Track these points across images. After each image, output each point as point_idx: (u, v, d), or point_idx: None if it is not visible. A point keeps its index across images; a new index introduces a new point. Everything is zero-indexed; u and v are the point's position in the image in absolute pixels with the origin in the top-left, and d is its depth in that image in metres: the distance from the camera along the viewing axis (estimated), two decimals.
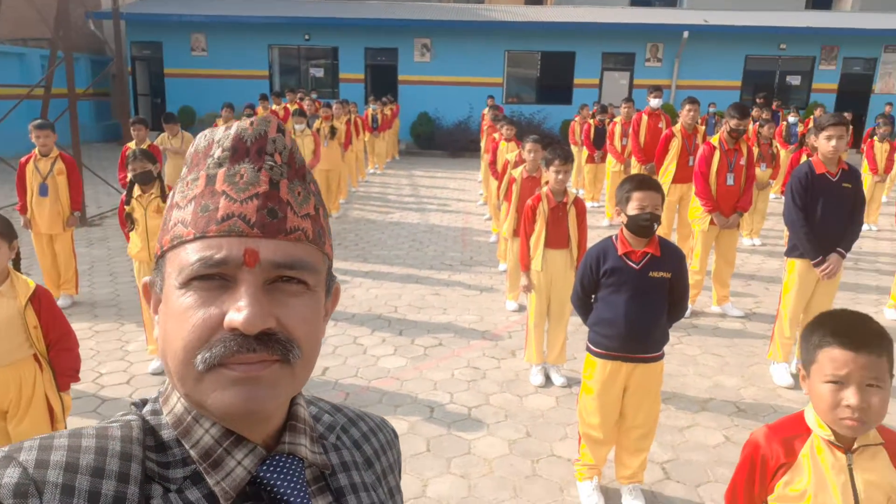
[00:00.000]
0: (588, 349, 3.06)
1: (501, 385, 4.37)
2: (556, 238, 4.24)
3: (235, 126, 0.66)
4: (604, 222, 9.16)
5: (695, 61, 18.49)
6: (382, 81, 18.69)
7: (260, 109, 12.96)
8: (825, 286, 4.34)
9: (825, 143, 4.24)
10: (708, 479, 3.33)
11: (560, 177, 4.16)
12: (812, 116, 13.71)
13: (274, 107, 13.86)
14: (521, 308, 5.82)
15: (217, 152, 0.65)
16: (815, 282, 4.33)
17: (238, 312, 0.59)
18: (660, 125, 8.40)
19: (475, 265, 7.18)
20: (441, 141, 17.61)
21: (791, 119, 11.55)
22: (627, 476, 3.11)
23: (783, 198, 10.93)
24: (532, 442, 3.67)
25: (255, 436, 0.65)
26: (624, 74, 19.01)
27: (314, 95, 16.14)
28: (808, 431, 1.57)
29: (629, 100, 9.47)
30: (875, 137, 9.00)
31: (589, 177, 10.18)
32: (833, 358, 1.46)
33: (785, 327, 4.44)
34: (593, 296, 3.07)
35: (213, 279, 0.61)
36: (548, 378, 4.45)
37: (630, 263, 2.90)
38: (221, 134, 0.66)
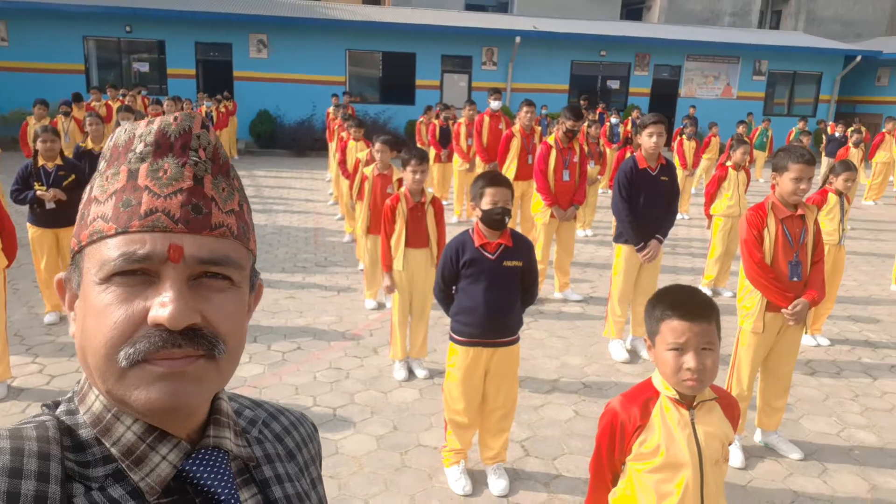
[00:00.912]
0: (451, 338, 3.19)
1: (366, 383, 4.40)
2: (416, 237, 4.35)
3: (158, 121, 0.66)
4: (453, 219, 9.47)
5: (527, 65, 19.62)
6: (216, 77, 17.77)
7: (76, 109, 11.79)
8: (648, 269, 4.88)
9: (647, 140, 4.75)
10: (563, 452, 3.61)
11: (417, 177, 4.27)
12: (630, 118, 15.15)
13: (94, 103, 12.69)
14: (381, 306, 5.88)
15: (139, 147, 0.64)
16: (640, 265, 4.85)
17: (163, 308, 0.60)
18: (500, 126, 8.85)
19: (330, 266, 7.13)
20: (284, 140, 17.14)
21: (613, 120, 12.69)
22: (492, 456, 3.29)
23: (610, 191, 11.91)
24: (399, 435, 3.75)
25: (178, 431, 0.65)
26: (463, 77, 19.70)
27: (144, 91, 15.01)
28: (656, 394, 1.80)
29: (471, 102, 9.88)
30: (683, 136, 10.18)
31: (437, 176, 10.46)
32: (673, 328, 1.69)
33: (616, 307, 4.92)
34: (454, 287, 3.21)
35: (135, 275, 0.61)
36: (411, 372, 4.56)
37: (486, 254, 3.07)
38: (143, 129, 0.65)
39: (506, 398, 3.23)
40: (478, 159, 8.98)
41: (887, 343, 5.40)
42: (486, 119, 8.77)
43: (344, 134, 8.60)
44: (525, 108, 7.41)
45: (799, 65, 21.60)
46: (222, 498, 0.64)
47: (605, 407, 1.89)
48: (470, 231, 3.14)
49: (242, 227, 0.68)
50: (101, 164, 0.67)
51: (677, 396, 1.77)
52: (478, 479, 3.33)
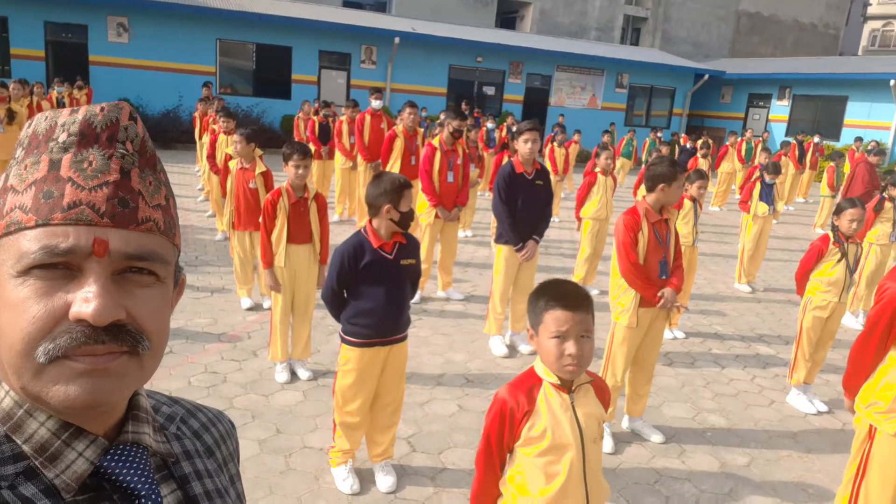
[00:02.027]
0: (345, 341, 3.15)
1: (245, 386, 4.25)
2: (298, 233, 4.26)
3: (84, 110, 0.63)
4: (334, 218, 9.35)
5: (406, 66, 19.75)
6: (69, 61, 16.32)
7: None
8: (526, 267, 5.11)
9: (523, 146, 4.97)
10: (448, 446, 3.70)
11: (300, 171, 4.18)
12: (505, 123, 15.71)
13: None
14: (258, 306, 5.70)
15: (62, 136, 0.62)
16: (518, 264, 5.06)
17: (86, 304, 0.58)
18: (381, 125, 8.86)
19: (202, 265, 6.79)
20: (147, 131, 15.98)
21: (490, 125, 13.11)
22: (379, 453, 3.31)
23: (489, 194, 12.23)
24: (283, 438, 3.66)
25: (95, 427, 0.64)
26: (341, 74, 19.47)
27: None
28: (539, 381, 1.92)
29: (354, 101, 9.79)
30: (554, 143, 10.73)
31: (317, 174, 10.27)
32: (556, 318, 1.81)
33: (497, 304, 5.11)
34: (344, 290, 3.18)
35: (55, 268, 0.59)
36: (293, 374, 4.45)
37: (385, 255, 3.08)
38: (67, 118, 0.63)
39: (395, 394, 3.26)
40: (360, 158, 8.94)
41: (733, 335, 6.02)
42: (368, 118, 8.74)
43: (216, 126, 8.22)
44: (408, 110, 7.48)
45: (656, 80, 23.45)
46: (142, 494, 0.63)
47: (493, 397, 1.97)
48: (363, 232, 3.11)
49: (169, 222, 0.67)
50: (18, 152, 0.64)
51: (558, 381, 1.89)
52: (365, 478, 3.32)
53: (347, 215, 9.68)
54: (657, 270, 3.67)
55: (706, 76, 23.48)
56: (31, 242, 0.59)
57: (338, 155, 9.46)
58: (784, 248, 10.06)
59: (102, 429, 0.65)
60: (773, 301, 7.24)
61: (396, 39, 18.78)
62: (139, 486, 0.63)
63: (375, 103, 8.84)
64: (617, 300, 3.77)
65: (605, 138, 13.09)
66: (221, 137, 7.64)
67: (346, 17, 19.62)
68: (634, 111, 23.53)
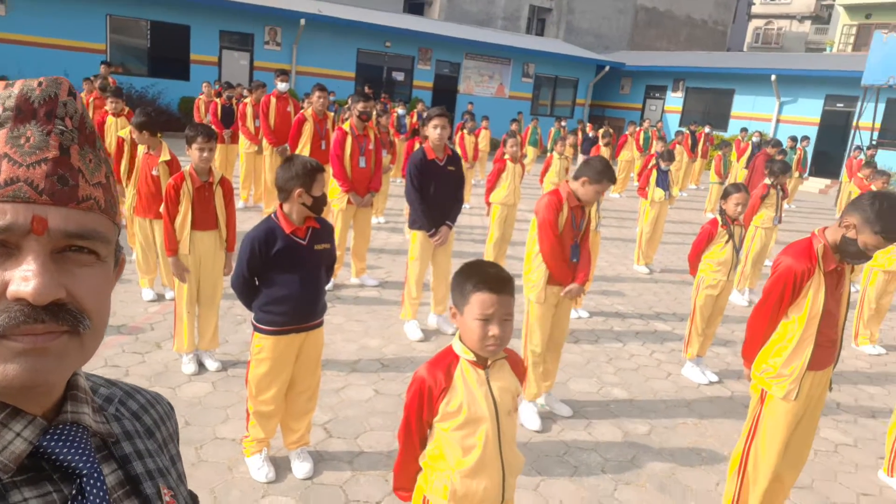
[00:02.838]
0: (258, 329, 3.08)
1: (150, 379, 4.08)
2: (203, 219, 4.11)
3: (19, 84, 0.61)
4: (239, 204, 9.05)
5: (313, 49, 19.30)
6: None
7: None
8: (442, 252, 5.17)
9: (433, 132, 5.01)
10: (365, 430, 3.71)
11: (204, 154, 4.03)
12: (415, 110, 15.71)
13: None
14: (160, 297, 5.46)
15: None
16: (433, 249, 5.12)
17: (25, 282, 0.57)
18: (288, 109, 8.65)
19: None
20: None
21: (400, 111, 13.06)
22: (295, 440, 3.28)
23: (401, 180, 12.24)
24: (193, 430, 3.55)
25: (33, 408, 0.63)
26: (244, 55, 18.77)
27: None
28: (457, 358, 1.98)
29: (261, 83, 9.48)
30: (464, 131, 10.85)
31: (220, 158, 9.89)
32: (482, 301, 1.87)
33: (412, 289, 5.15)
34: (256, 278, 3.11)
35: None
36: (201, 365, 4.31)
37: (298, 241, 3.02)
38: (2, 91, 0.61)
39: (312, 379, 3.24)
40: (265, 142, 8.69)
41: (632, 313, 6.36)
42: (273, 101, 8.51)
43: (108, 107, 7.72)
44: (318, 93, 7.35)
45: (560, 70, 24.14)
46: (84, 472, 0.63)
47: (412, 376, 2.01)
48: (273, 218, 3.04)
49: (109, 200, 0.66)
50: None
51: (475, 358, 1.95)
52: (280, 466, 3.29)
53: (253, 202, 9.40)
54: (569, 253, 3.84)
55: (607, 68, 24.43)
56: None
57: (242, 139, 9.16)
58: (678, 231, 10.69)
59: (41, 409, 0.64)
60: (668, 281, 7.70)
61: (302, 21, 18.30)
62: (80, 464, 0.63)
63: (281, 86, 8.61)
64: (529, 276, 3.91)
65: (514, 126, 13.38)
66: (110, 120, 7.15)
67: None
68: (540, 100, 24.15)
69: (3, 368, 0.58)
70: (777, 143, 10.49)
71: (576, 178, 3.81)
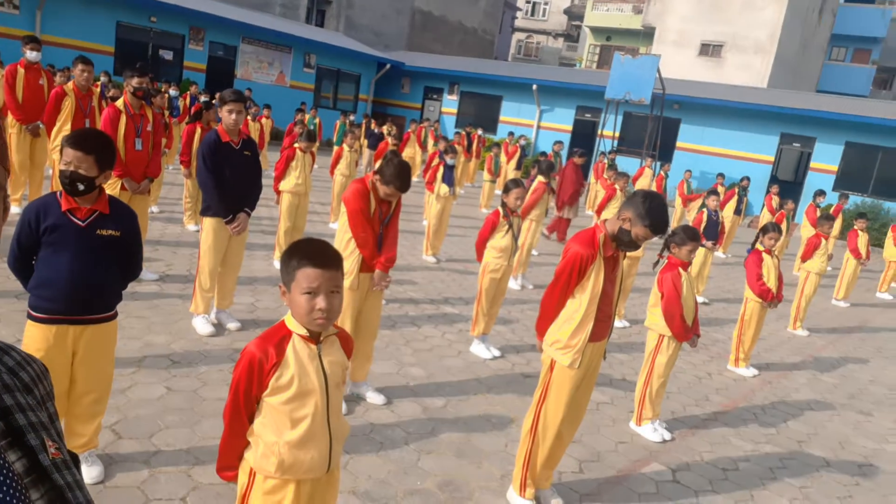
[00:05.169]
0: (29, 316, 2.73)
1: None
2: None
3: None
4: None
5: (61, 17, 16.98)
6: None
7: None
8: (237, 241, 4.97)
9: (227, 116, 4.80)
10: (160, 428, 3.47)
11: None
12: (189, 92, 14.67)
13: None
14: None
15: None
16: (228, 237, 4.90)
17: None
18: (40, 81, 7.56)
19: None
20: None
21: (172, 93, 12.12)
22: (82, 444, 2.96)
23: (173, 167, 11.37)
24: None
25: None
26: None
27: None
28: (289, 333, 1.99)
29: None
30: (248, 117, 10.42)
31: None
32: (307, 275, 1.90)
33: (205, 281, 4.87)
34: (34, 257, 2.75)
35: None
36: None
37: (75, 220, 2.72)
38: None
39: (98, 380, 2.93)
40: (10, 118, 7.50)
41: (424, 299, 6.71)
42: (21, 71, 7.37)
43: None
44: (81, 66, 6.54)
45: (342, 64, 24.21)
46: None
47: (241, 352, 1.98)
48: (57, 193, 2.73)
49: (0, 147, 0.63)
50: None
51: (307, 334, 1.99)
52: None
53: None
54: (374, 242, 3.96)
55: (388, 66, 25.07)
56: None
57: None
58: (459, 224, 11.43)
59: None
60: (454, 270, 8.23)
61: None
62: None
63: (31, 55, 7.46)
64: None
65: (299, 116, 13.19)
66: None
67: None
68: (322, 93, 23.98)
69: None
70: (583, 154, 11.65)
71: (380, 184, 3.93)
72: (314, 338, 2.01)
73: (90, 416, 2.95)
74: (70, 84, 6.70)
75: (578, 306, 3.16)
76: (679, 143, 21.55)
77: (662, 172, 15.10)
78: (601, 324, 3.22)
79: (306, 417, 1.98)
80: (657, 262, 4.26)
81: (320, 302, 1.91)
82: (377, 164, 4.07)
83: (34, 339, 2.74)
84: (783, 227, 10.34)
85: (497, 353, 5.45)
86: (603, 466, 3.94)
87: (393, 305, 6.30)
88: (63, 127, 6.53)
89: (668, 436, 4.45)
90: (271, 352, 1.94)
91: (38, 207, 2.69)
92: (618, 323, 6.98)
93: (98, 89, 7.19)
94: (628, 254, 4.68)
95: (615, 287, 3.27)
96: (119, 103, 5.48)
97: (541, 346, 3.32)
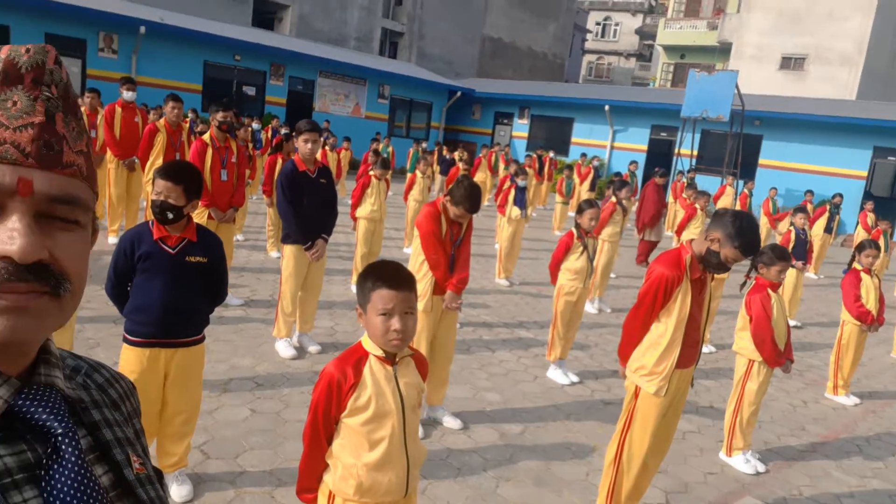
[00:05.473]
0: (124, 339, 2.88)
1: None
2: None
3: (7, 50, 0.62)
4: None
5: (154, 59, 18.17)
6: None
7: None
8: (316, 267, 5.10)
9: (304, 146, 4.96)
10: (244, 450, 3.56)
11: None
12: (270, 125, 15.33)
13: None
14: None
15: None
16: (308, 264, 5.04)
17: (11, 241, 0.59)
18: (136, 119, 8.09)
19: None
20: None
21: (255, 126, 12.69)
22: (173, 464, 3.07)
23: (256, 197, 11.77)
24: None
25: (7, 367, 0.63)
26: (75, 62, 17.23)
27: None
28: (366, 354, 2.01)
29: (94, 90, 8.77)
30: (326, 147, 10.79)
31: None
32: (382, 297, 1.92)
33: (286, 306, 5.01)
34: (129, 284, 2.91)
35: None
36: None
37: (165, 248, 2.87)
38: None
39: (188, 402, 3.05)
40: (108, 154, 8.04)
41: (498, 323, 6.65)
42: (119, 110, 7.91)
43: None
44: (172, 103, 6.97)
45: (415, 93, 24.73)
46: (59, 432, 0.63)
47: (320, 373, 2.01)
48: (149, 223, 2.89)
49: (90, 169, 0.68)
50: None
51: (383, 354, 2.00)
52: None
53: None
54: (447, 264, 3.99)
55: (459, 93, 25.41)
56: None
57: None
58: (531, 247, 11.34)
59: (15, 370, 0.64)
60: (527, 293, 8.14)
61: (142, 28, 17.18)
62: (55, 424, 0.63)
63: (128, 94, 8.02)
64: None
65: (373, 146, 13.53)
66: None
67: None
68: (396, 122, 24.53)
69: None
70: (665, 173, 11.25)
71: (450, 205, 3.96)
72: (390, 359, 2.02)
73: (180, 436, 3.07)
74: (161, 120, 7.13)
75: (664, 331, 3.03)
76: (762, 160, 20.69)
77: (746, 190, 14.51)
78: (688, 349, 3.08)
79: (384, 440, 1.98)
80: (744, 284, 4.06)
81: (395, 323, 1.92)
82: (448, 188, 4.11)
83: (129, 361, 2.88)
84: (881, 244, 9.71)
85: (575, 378, 5.32)
86: (692, 498, 3.74)
87: (467, 329, 6.28)
88: (155, 161, 6.93)
89: (761, 467, 4.19)
90: (349, 372, 1.96)
91: (133, 237, 2.86)
92: (704, 348, 6.68)
93: (187, 125, 7.60)
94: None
95: (703, 311, 3.13)
96: (206, 137, 5.78)
97: (623, 372, 3.21)
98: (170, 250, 2.88)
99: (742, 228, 2.87)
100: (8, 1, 15.35)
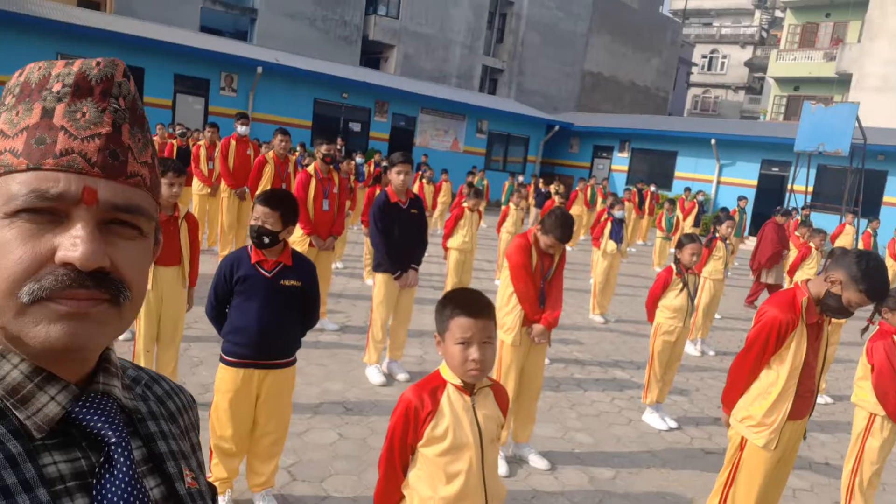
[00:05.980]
0: (221, 359, 3.01)
1: None
2: (166, 254, 3.99)
3: (79, 63, 0.65)
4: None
5: (269, 97, 19.38)
6: None
7: None
8: (405, 295, 5.16)
9: (396, 177, 5.08)
10: (330, 474, 3.59)
11: (174, 189, 3.95)
12: (373, 159, 15.87)
13: None
14: None
15: (56, 86, 0.64)
16: (398, 292, 5.10)
17: (74, 248, 0.60)
18: (248, 151, 8.61)
19: None
20: None
21: (358, 160, 13.19)
22: (260, 483, 3.14)
23: (356, 227, 12.13)
24: None
25: (67, 374, 0.65)
26: (199, 100, 18.69)
27: None
28: (444, 383, 1.98)
29: (214, 125, 9.44)
30: (423, 180, 11.03)
31: None
32: (461, 325, 1.88)
33: (377, 332, 5.09)
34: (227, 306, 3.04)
35: (43, 213, 0.61)
36: None
37: (262, 272, 2.99)
38: (62, 69, 0.64)
39: (278, 422, 3.13)
40: (223, 184, 8.58)
41: (591, 361, 6.43)
42: (233, 143, 8.46)
43: None
44: (280, 136, 7.37)
45: (512, 128, 24.88)
46: (112, 441, 0.64)
47: (398, 399, 1.99)
48: (248, 247, 3.03)
49: (154, 180, 0.70)
50: (8, 99, 0.65)
51: (461, 384, 1.95)
52: None
53: (207, 244, 9.20)
54: (537, 297, 3.90)
55: (556, 127, 25.32)
56: (20, 186, 0.60)
57: (196, 180, 9.03)
58: (629, 284, 10.97)
59: (74, 377, 0.65)
60: (623, 331, 7.84)
61: (259, 69, 18.42)
62: (109, 433, 0.64)
63: (242, 129, 8.57)
64: (503, 318, 3.93)
65: (470, 179, 13.68)
66: None
67: (204, 42, 18.94)
68: (493, 156, 24.74)
69: (46, 330, 0.60)
70: (787, 212, 10.55)
71: (540, 224, 3.92)
72: (468, 389, 1.97)
73: (269, 456, 3.14)
74: (270, 153, 7.54)
75: (776, 379, 2.80)
76: (886, 198, 19.09)
77: (870, 230, 13.41)
78: (802, 400, 2.83)
79: (461, 473, 1.92)
80: (866, 328, 3.71)
81: (473, 352, 1.88)
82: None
83: (224, 381, 2.99)
84: None
85: (673, 424, 5.02)
86: None
87: (557, 366, 6.11)
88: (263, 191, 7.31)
89: None
90: (427, 400, 1.93)
91: (232, 260, 3.00)
92: (819, 398, 6.14)
93: (295, 158, 8.00)
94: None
95: (819, 358, 2.87)
96: (310, 168, 6.05)
97: (727, 421, 2.99)
98: (266, 274, 2.99)
99: (869, 270, 2.61)
100: (142, 45, 16.93)
